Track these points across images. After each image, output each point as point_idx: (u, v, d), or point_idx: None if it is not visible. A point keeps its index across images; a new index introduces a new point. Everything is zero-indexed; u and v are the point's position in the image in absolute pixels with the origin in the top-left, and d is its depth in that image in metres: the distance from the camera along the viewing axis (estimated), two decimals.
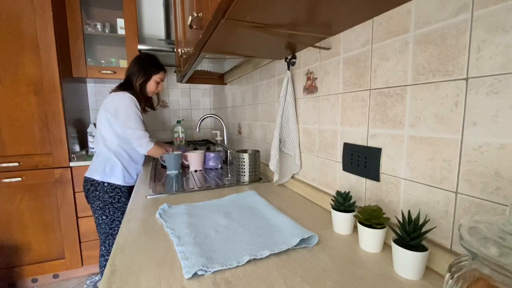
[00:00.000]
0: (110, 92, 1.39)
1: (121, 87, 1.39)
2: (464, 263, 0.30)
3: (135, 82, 1.40)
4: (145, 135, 1.37)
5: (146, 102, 1.53)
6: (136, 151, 1.43)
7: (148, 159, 1.84)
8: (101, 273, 1.44)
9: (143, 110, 1.51)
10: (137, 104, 1.36)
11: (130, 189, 1.42)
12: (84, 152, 1.96)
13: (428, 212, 0.53)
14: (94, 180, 1.33)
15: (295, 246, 0.59)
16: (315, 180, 0.92)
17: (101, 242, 1.39)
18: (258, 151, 1.19)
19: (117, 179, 1.35)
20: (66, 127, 1.69)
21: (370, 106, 0.66)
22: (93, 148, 1.88)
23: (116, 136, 1.35)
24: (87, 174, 1.37)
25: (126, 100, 1.33)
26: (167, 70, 2.46)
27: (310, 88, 0.91)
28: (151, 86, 1.46)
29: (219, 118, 1.77)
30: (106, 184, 1.33)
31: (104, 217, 1.35)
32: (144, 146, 1.38)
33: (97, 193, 1.33)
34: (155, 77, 1.45)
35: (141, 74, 1.41)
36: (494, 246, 0.25)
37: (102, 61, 2.09)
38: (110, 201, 1.35)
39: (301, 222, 0.74)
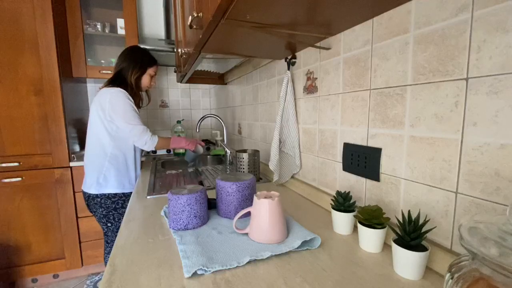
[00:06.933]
0: (100, 88, 1.29)
1: (113, 83, 1.29)
2: (464, 263, 0.30)
3: (130, 77, 1.31)
4: (146, 130, 1.29)
5: (139, 99, 1.44)
6: (132, 152, 1.34)
7: (147, 159, 1.84)
8: None
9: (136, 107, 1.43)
10: (130, 98, 1.28)
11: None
12: (84, 152, 1.96)
13: (428, 212, 0.53)
14: (91, 193, 1.28)
15: (297, 248, 0.59)
16: (315, 180, 0.92)
17: (107, 252, 1.36)
18: (258, 151, 1.19)
19: (113, 188, 1.28)
20: (66, 127, 1.69)
21: (370, 106, 0.66)
22: None
23: (112, 138, 1.26)
24: (83, 188, 1.31)
25: (119, 94, 1.23)
26: (167, 70, 2.49)
27: (310, 88, 0.91)
28: (145, 80, 1.38)
29: (219, 118, 1.77)
30: (105, 194, 1.28)
31: (109, 224, 1.29)
32: (149, 142, 1.29)
33: (98, 199, 1.27)
34: (150, 71, 1.37)
35: (136, 68, 1.32)
36: (494, 246, 0.25)
37: (102, 61, 2.09)
38: (114, 207, 1.29)
39: (301, 222, 0.74)
